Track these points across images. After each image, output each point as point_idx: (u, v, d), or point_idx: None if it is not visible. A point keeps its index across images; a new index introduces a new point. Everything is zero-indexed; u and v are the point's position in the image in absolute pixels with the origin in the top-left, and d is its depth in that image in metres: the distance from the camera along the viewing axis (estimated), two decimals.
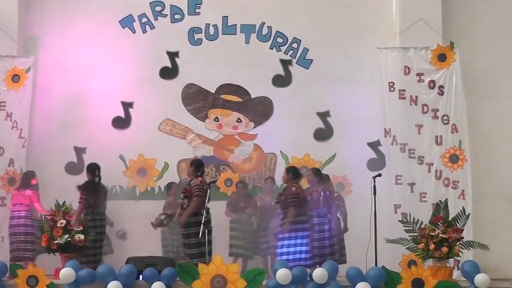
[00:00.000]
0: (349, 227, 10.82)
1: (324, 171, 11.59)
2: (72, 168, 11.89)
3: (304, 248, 10.34)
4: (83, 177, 11.56)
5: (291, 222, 10.23)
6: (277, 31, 12.15)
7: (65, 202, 9.86)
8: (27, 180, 10.97)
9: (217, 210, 11.25)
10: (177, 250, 10.90)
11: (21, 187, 10.95)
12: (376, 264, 9.48)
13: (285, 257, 10.01)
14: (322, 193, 10.54)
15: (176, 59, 12.19)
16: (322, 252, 10.35)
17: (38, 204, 10.75)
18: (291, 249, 10.30)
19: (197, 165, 10.33)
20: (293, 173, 10.56)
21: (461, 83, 11.27)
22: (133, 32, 12.24)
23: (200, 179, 10.16)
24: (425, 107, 11.28)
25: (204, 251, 9.63)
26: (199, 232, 9.63)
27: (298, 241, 10.32)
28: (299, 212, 10.31)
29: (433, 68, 11.35)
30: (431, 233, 9.03)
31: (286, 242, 10.28)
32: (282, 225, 10.30)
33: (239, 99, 12.13)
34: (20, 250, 10.62)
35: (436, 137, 11.23)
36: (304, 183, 10.87)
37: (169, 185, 11.61)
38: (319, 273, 8.72)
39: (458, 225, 9.16)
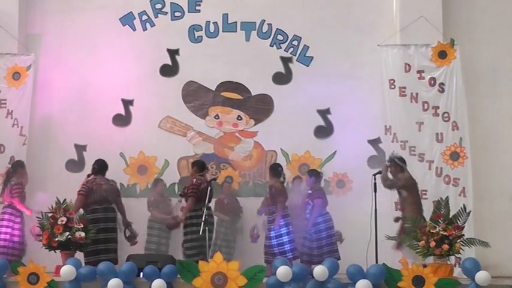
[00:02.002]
0: (349, 224, 10.89)
1: (324, 169, 11.64)
2: (72, 166, 11.91)
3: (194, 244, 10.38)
4: (83, 175, 11.59)
5: (187, 215, 10.30)
6: (277, 28, 12.15)
7: (65, 199, 9.85)
8: None
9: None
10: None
11: None
12: (376, 262, 9.47)
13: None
14: (268, 189, 10.68)
15: (176, 56, 12.20)
16: (267, 250, 10.52)
17: None
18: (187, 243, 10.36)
19: (96, 165, 10.53)
20: (197, 166, 10.70)
21: (461, 80, 11.27)
22: (134, 29, 12.24)
23: (90, 178, 10.35)
24: (425, 104, 11.29)
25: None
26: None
27: (194, 236, 10.34)
28: (201, 205, 10.31)
29: (434, 65, 11.35)
30: (432, 231, 9.02)
31: (188, 236, 10.34)
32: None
33: (239, 97, 12.13)
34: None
35: (437, 134, 11.24)
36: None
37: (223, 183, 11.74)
38: (319, 271, 8.72)
39: (459, 222, 9.14)
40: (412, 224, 9.31)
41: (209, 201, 10.26)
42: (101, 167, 10.48)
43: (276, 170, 10.80)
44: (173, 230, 10.81)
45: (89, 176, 10.44)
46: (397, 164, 10.18)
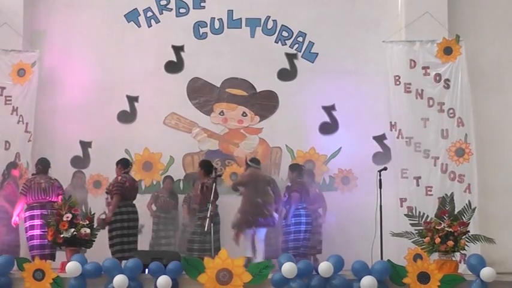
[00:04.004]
0: (354, 220, 10.91)
1: (329, 165, 11.66)
2: (77, 162, 11.93)
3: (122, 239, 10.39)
4: (89, 171, 11.66)
5: (114, 212, 10.31)
6: (282, 25, 12.14)
7: (70, 196, 9.89)
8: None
9: (223, 204, 11.29)
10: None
11: None
12: (381, 258, 9.47)
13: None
14: (199, 187, 10.63)
15: (181, 53, 12.21)
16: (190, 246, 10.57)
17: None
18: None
19: (39, 165, 10.67)
20: (121, 164, 10.71)
21: (467, 76, 11.24)
22: (139, 26, 12.25)
23: (30, 177, 10.65)
24: (431, 101, 11.26)
25: None
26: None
27: (124, 231, 10.36)
28: (125, 203, 10.38)
29: (439, 62, 11.32)
30: (437, 227, 9.00)
31: (113, 233, 10.35)
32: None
33: (244, 93, 12.14)
34: None
35: (442, 130, 11.21)
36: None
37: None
38: (324, 267, 8.71)
39: (464, 219, 9.13)
40: (418, 221, 9.32)
41: (215, 198, 10.26)
42: (44, 166, 10.63)
43: (207, 167, 10.74)
44: (103, 228, 10.54)
45: (33, 175, 10.64)
46: (248, 165, 10.60)
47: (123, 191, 10.38)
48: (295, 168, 11.09)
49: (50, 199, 10.32)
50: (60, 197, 10.30)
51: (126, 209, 10.40)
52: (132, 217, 10.45)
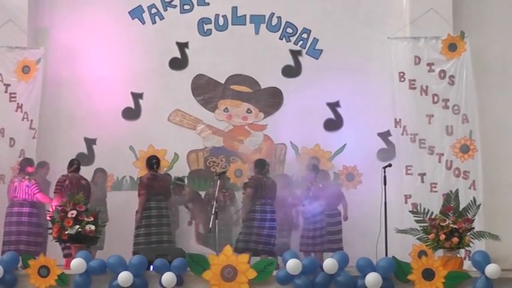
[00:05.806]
0: (359, 217, 10.90)
1: (334, 162, 11.67)
2: (82, 159, 11.87)
3: None
4: (93, 168, 11.63)
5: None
6: (286, 21, 12.13)
7: (74, 193, 9.90)
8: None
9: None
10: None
11: None
12: (386, 255, 9.47)
13: None
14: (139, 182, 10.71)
15: (186, 49, 12.20)
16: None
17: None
18: None
19: (19, 165, 10.91)
20: (69, 164, 10.65)
21: (472, 72, 11.24)
22: (143, 22, 12.24)
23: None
24: (435, 97, 11.26)
25: None
26: None
27: None
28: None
29: (444, 58, 11.32)
30: (441, 223, 9.01)
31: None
32: None
33: (249, 90, 12.13)
34: None
35: (447, 127, 11.21)
36: None
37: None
38: (329, 263, 8.72)
39: (468, 215, 9.14)
40: (423, 217, 9.32)
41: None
42: (21, 166, 10.76)
43: (148, 162, 10.67)
44: None
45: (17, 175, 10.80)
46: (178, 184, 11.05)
47: (62, 190, 10.39)
48: (257, 164, 10.86)
49: (18, 197, 10.46)
50: (36, 196, 10.43)
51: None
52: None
